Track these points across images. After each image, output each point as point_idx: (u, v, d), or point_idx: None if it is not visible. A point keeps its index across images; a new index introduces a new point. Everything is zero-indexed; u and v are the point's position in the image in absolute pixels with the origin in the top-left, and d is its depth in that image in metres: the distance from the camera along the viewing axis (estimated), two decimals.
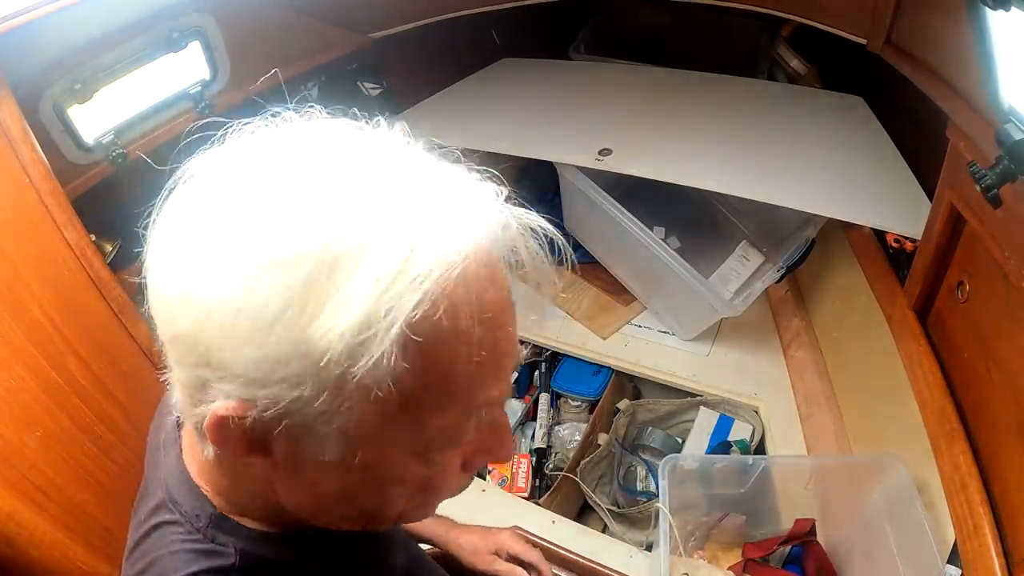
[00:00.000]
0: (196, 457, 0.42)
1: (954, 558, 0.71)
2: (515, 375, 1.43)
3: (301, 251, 0.30)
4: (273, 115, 0.38)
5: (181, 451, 0.44)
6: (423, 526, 0.81)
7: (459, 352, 0.33)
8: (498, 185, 0.36)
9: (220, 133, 0.37)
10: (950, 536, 0.72)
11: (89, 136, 0.99)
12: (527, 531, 0.90)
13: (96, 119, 1.00)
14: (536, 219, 0.37)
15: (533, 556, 0.79)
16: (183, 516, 0.42)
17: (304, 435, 0.34)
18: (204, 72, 1.14)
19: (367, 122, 0.40)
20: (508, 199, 0.36)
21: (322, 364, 0.30)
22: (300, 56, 1.32)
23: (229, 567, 0.40)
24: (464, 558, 0.79)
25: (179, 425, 0.45)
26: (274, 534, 0.42)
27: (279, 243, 0.30)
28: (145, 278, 0.35)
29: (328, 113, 0.40)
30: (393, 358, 0.30)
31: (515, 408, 1.44)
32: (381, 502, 0.40)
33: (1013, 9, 0.51)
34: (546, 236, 0.37)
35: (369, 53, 1.46)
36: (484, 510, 1.08)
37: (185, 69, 1.10)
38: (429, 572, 0.61)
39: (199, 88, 1.13)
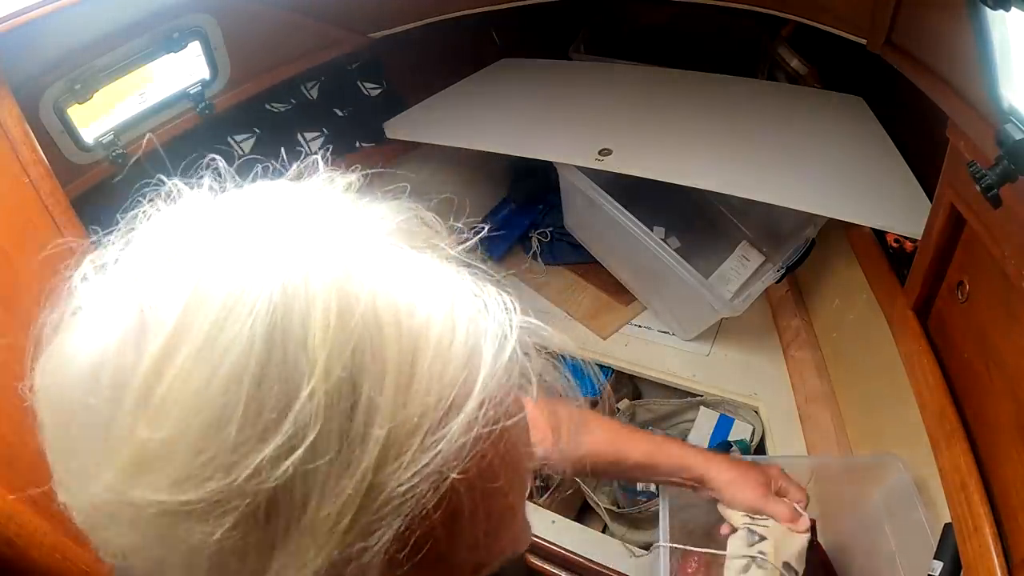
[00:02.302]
0: None
1: (940, 553, 0.72)
2: None
3: (216, 491, 0.21)
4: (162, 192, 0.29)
5: None
6: (675, 457, 0.77)
7: (491, 540, 0.27)
8: (507, 296, 0.26)
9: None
10: None
11: (89, 136, 0.99)
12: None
13: (96, 119, 1.00)
14: (535, 322, 0.27)
15: (801, 496, 0.73)
16: None
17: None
18: (204, 72, 1.14)
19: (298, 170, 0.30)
20: (520, 312, 0.26)
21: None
22: (300, 56, 1.32)
23: None
24: (725, 491, 0.75)
25: None
26: None
27: (182, 480, 0.21)
28: None
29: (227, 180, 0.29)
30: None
31: None
32: None
33: (1013, 9, 0.51)
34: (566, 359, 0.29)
35: (369, 53, 1.46)
36: None
37: (185, 69, 1.11)
38: None
39: (199, 88, 1.13)
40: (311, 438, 0.20)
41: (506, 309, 0.25)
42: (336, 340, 0.21)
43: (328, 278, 0.22)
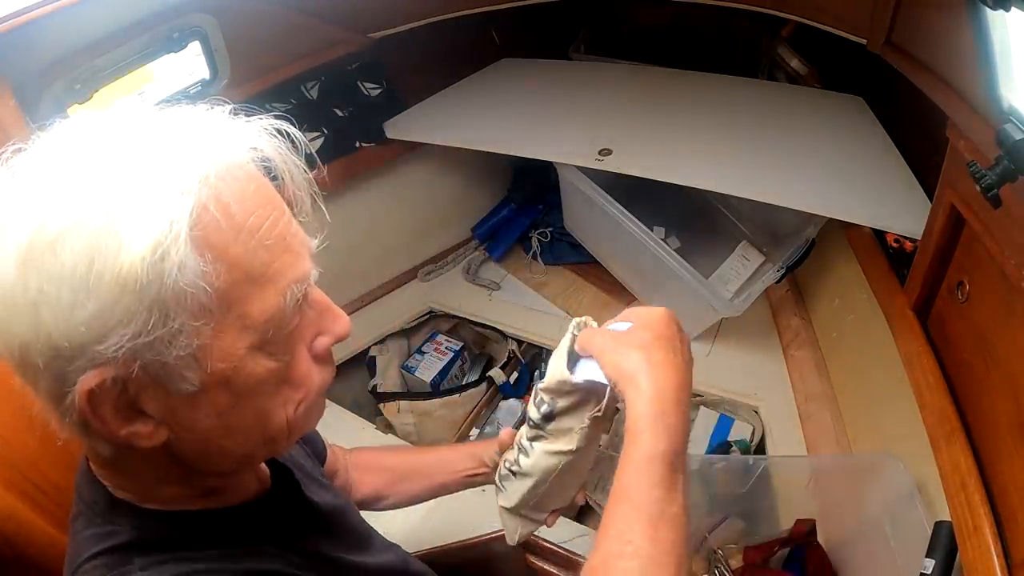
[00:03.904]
0: (93, 455, 0.47)
1: (932, 551, 0.72)
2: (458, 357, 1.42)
3: (79, 215, 0.34)
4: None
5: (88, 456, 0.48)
6: (460, 449, 0.82)
7: (245, 242, 0.38)
8: (226, 104, 0.42)
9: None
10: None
11: None
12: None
13: None
14: (270, 120, 0.43)
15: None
16: (86, 506, 0.47)
17: (161, 374, 0.37)
18: (204, 72, 1.14)
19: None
20: (237, 112, 0.42)
21: (138, 288, 0.34)
22: (300, 56, 1.32)
23: (124, 544, 0.44)
24: (491, 445, 0.77)
25: None
26: (170, 512, 0.46)
27: (60, 220, 0.34)
28: None
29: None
30: (192, 260, 0.35)
31: (515, 408, 1.44)
32: (261, 416, 0.43)
33: (1013, 9, 0.51)
34: (283, 133, 0.43)
35: (369, 53, 1.46)
36: (484, 509, 1.08)
37: (185, 69, 1.11)
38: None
39: (199, 88, 1.13)
40: (128, 178, 0.36)
41: (231, 111, 0.43)
42: (137, 135, 0.39)
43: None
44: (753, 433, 1.19)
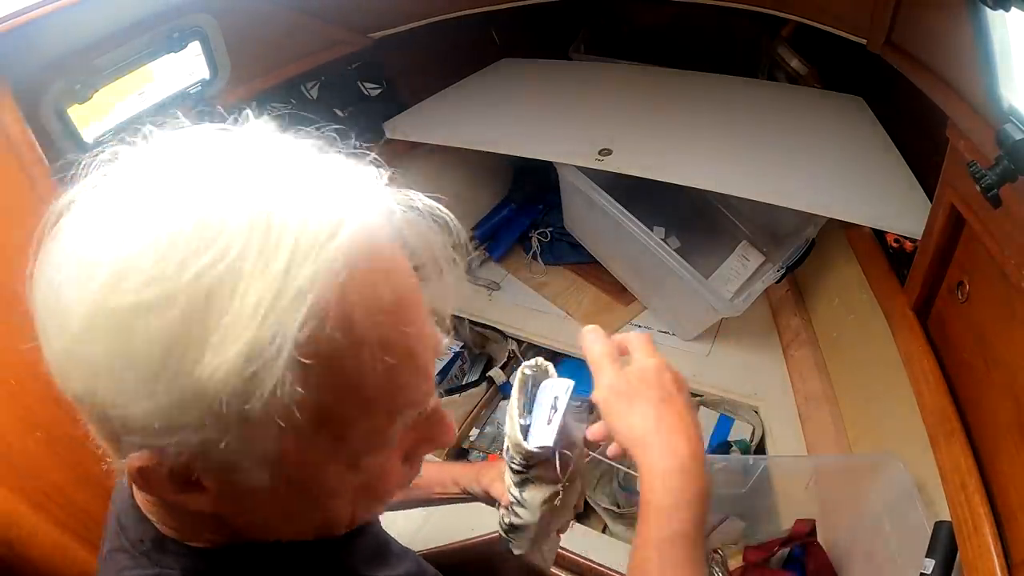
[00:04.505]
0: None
1: (932, 551, 0.72)
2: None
3: (169, 289, 0.28)
4: (134, 132, 0.36)
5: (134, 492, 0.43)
6: (444, 474, 0.78)
7: (363, 362, 0.31)
8: (378, 167, 0.35)
9: (82, 162, 0.35)
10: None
11: (89, 136, 0.99)
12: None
13: (96, 119, 1.00)
14: (423, 199, 0.35)
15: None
16: (129, 542, 0.41)
17: (227, 469, 0.32)
18: (204, 72, 1.14)
19: (234, 119, 0.37)
20: (390, 180, 0.35)
21: (216, 403, 0.28)
22: (300, 56, 1.32)
23: None
24: (477, 477, 0.75)
25: None
26: (219, 550, 0.41)
27: (145, 285, 0.28)
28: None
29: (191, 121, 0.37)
30: (289, 385, 0.29)
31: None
32: (325, 515, 0.38)
33: (1013, 9, 0.51)
34: (436, 217, 0.36)
35: (369, 53, 1.46)
36: (484, 509, 1.08)
37: (185, 69, 1.10)
38: None
39: (199, 88, 1.13)
40: (238, 247, 0.28)
41: (378, 170, 0.35)
42: (251, 185, 0.30)
43: (244, 142, 0.34)
44: (753, 433, 1.19)
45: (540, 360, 0.60)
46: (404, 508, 0.83)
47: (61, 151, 0.95)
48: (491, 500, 0.72)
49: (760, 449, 1.18)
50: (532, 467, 0.59)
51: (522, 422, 0.58)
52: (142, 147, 0.35)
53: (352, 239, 0.30)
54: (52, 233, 0.34)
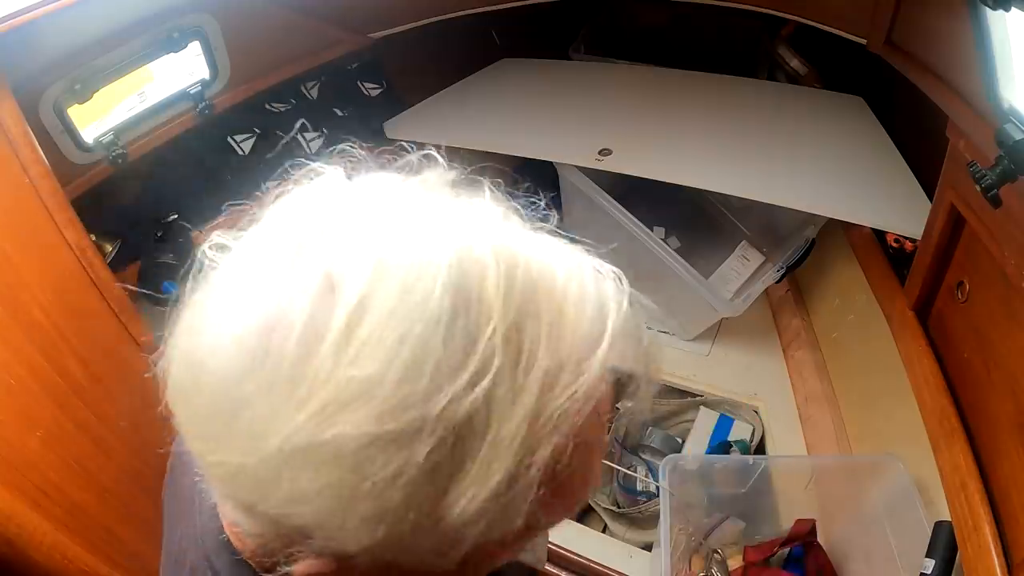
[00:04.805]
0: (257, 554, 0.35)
1: (932, 551, 0.72)
2: None
3: (416, 420, 0.24)
4: (301, 169, 0.32)
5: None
6: None
7: (579, 464, 0.29)
8: (615, 269, 0.32)
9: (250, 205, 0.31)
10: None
11: (89, 136, 0.99)
12: None
13: (96, 119, 1.00)
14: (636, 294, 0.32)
15: None
16: None
17: (416, 571, 0.29)
18: (204, 72, 1.14)
19: (449, 170, 0.33)
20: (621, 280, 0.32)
21: (453, 536, 0.26)
22: (300, 56, 1.32)
23: None
24: None
25: None
26: None
27: (387, 415, 0.24)
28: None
29: (365, 149, 0.34)
30: (530, 502, 0.27)
31: None
32: (487, 568, 0.35)
33: (1013, 9, 0.51)
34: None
35: (369, 53, 1.46)
36: None
37: (185, 69, 1.11)
38: None
39: (199, 88, 1.13)
40: (493, 370, 0.25)
41: (616, 278, 0.32)
42: (506, 294, 0.26)
43: (490, 247, 0.27)
44: (753, 433, 1.19)
45: None
46: None
47: (61, 151, 0.95)
48: None
49: (760, 449, 1.18)
50: None
51: None
52: (327, 216, 0.29)
53: (607, 353, 0.28)
54: (205, 305, 0.29)
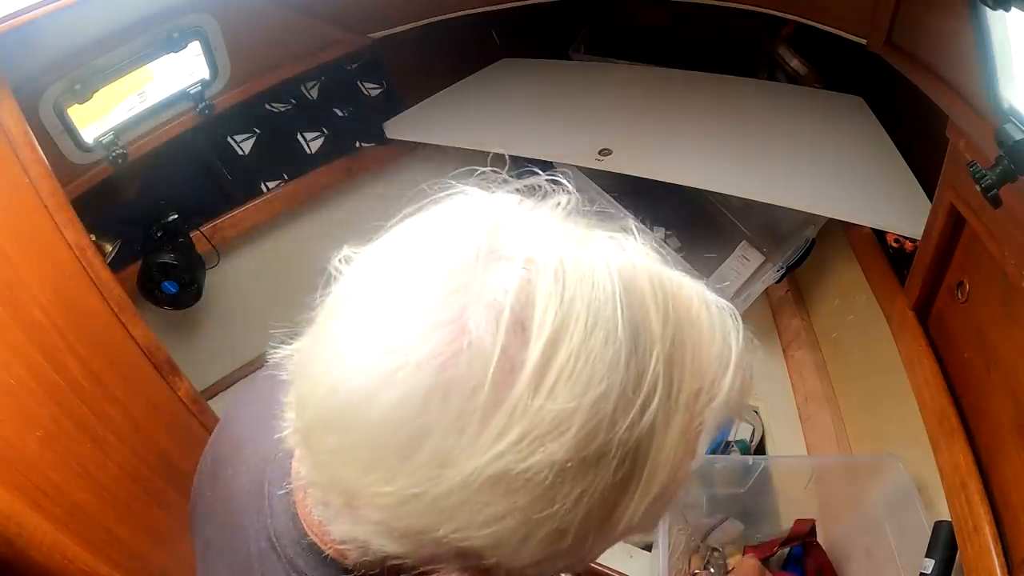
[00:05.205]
0: (317, 528, 0.36)
1: (932, 551, 0.72)
2: None
3: (604, 444, 0.26)
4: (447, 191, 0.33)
5: (295, 508, 0.38)
6: None
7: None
8: (727, 303, 0.34)
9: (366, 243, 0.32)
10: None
11: (89, 136, 0.99)
12: None
13: (96, 119, 1.00)
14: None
15: None
16: (296, 572, 0.37)
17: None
18: (204, 72, 1.14)
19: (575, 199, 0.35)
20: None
21: (603, 546, 0.30)
22: (300, 56, 1.32)
23: None
24: None
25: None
26: None
27: (582, 440, 0.26)
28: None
29: (514, 176, 0.35)
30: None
31: None
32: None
33: (1013, 9, 0.51)
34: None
35: (369, 53, 1.46)
36: None
37: (185, 69, 1.11)
38: None
39: (199, 88, 1.13)
40: (658, 395, 0.27)
41: (731, 312, 0.34)
42: (663, 323, 0.29)
43: (647, 278, 0.30)
44: (753, 433, 1.19)
45: None
46: None
47: (61, 151, 0.95)
48: None
49: (760, 449, 1.18)
50: None
51: None
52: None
53: (735, 374, 0.32)
54: (368, 309, 0.29)
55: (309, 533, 0.36)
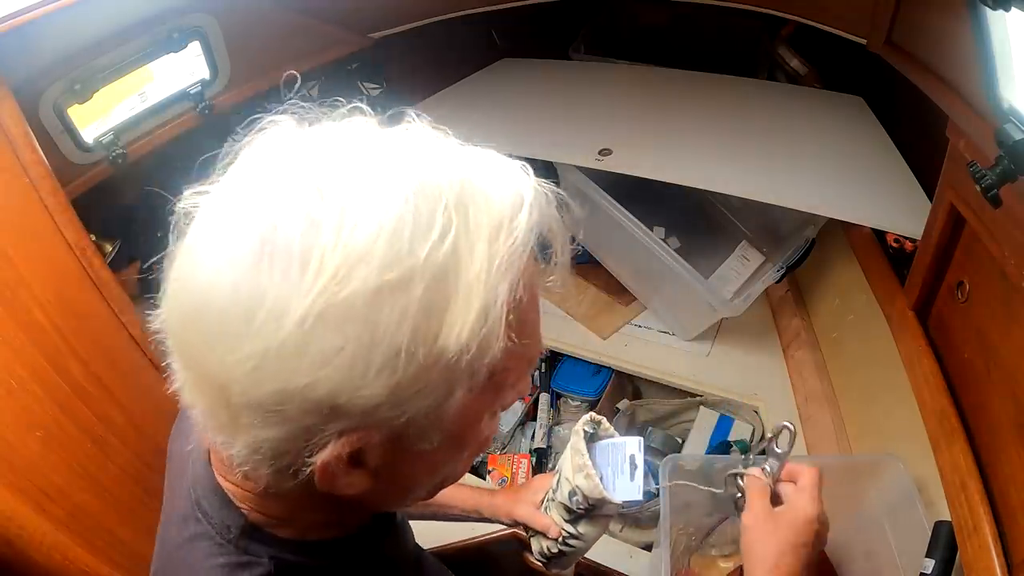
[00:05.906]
0: (248, 483, 0.41)
1: (932, 551, 0.72)
2: None
3: (409, 268, 0.31)
4: (270, 118, 0.39)
5: (210, 460, 0.44)
6: (466, 500, 0.81)
7: (533, 316, 0.38)
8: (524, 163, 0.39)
9: (224, 151, 0.38)
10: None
11: (89, 136, 0.99)
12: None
13: (96, 119, 1.00)
14: (546, 183, 0.39)
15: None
16: (213, 527, 0.42)
17: (411, 437, 0.35)
18: (204, 72, 1.14)
19: (375, 116, 0.40)
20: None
21: (456, 363, 0.32)
22: (300, 56, 1.32)
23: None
24: (507, 509, 0.77)
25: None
26: (307, 542, 0.43)
27: (385, 268, 0.30)
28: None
29: (323, 108, 0.40)
30: (502, 343, 0.33)
31: (515, 408, 1.44)
32: (455, 468, 0.43)
33: (1013, 9, 0.51)
34: (560, 198, 0.39)
35: (369, 53, 1.46)
36: None
37: (185, 69, 1.11)
38: (428, 559, 0.63)
39: (199, 88, 1.13)
40: (453, 229, 0.32)
41: (522, 167, 0.38)
42: (450, 178, 0.34)
43: (430, 143, 0.38)
44: (753, 433, 1.19)
45: (595, 415, 0.71)
46: (418, 519, 0.83)
47: (61, 151, 0.95)
48: (514, 525, 0.79)
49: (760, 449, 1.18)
50: (592, 508, 0.67)
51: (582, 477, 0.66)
52: (310, 136, 0.36)
53: (530, 213, 0.35)
54: (204, 227, 0.34)
55: (217, 475, 0.43)
